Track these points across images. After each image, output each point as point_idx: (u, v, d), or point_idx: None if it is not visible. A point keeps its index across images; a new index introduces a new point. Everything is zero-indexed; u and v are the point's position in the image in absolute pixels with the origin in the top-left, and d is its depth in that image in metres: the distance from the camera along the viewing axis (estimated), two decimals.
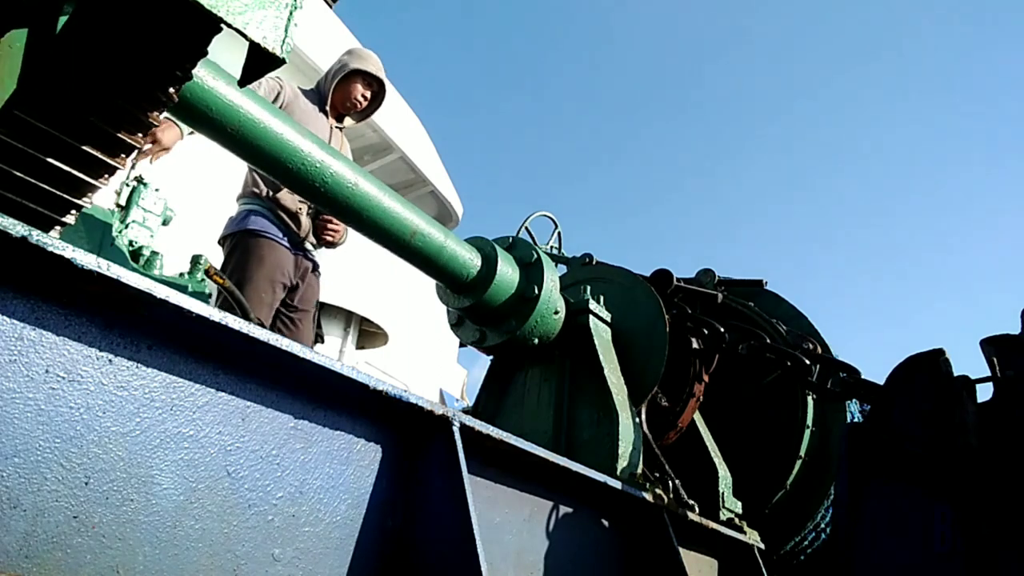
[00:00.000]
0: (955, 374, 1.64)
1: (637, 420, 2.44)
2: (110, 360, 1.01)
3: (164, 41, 1.00)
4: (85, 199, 1.10)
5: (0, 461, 0.88)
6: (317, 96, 3.18)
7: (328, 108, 3.16)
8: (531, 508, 1.77)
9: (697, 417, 2.94)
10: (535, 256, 2.47)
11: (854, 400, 2.92)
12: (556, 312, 2.48)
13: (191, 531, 1.07)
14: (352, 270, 6.00)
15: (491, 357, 2.78)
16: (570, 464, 1.79)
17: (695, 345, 2.87)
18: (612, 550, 2.05)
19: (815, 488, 3.07)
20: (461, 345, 2.86)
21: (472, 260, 2.31)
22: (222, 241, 3.01)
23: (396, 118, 7.49)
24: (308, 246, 3.10)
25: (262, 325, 1.31)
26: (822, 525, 3.08)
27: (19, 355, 0.91)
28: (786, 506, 3.07)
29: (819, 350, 2.71)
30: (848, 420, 3.10)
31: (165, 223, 3.00)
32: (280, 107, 2.92)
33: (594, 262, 3.18)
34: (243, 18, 0.93)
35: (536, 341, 2.47)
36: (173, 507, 1.05)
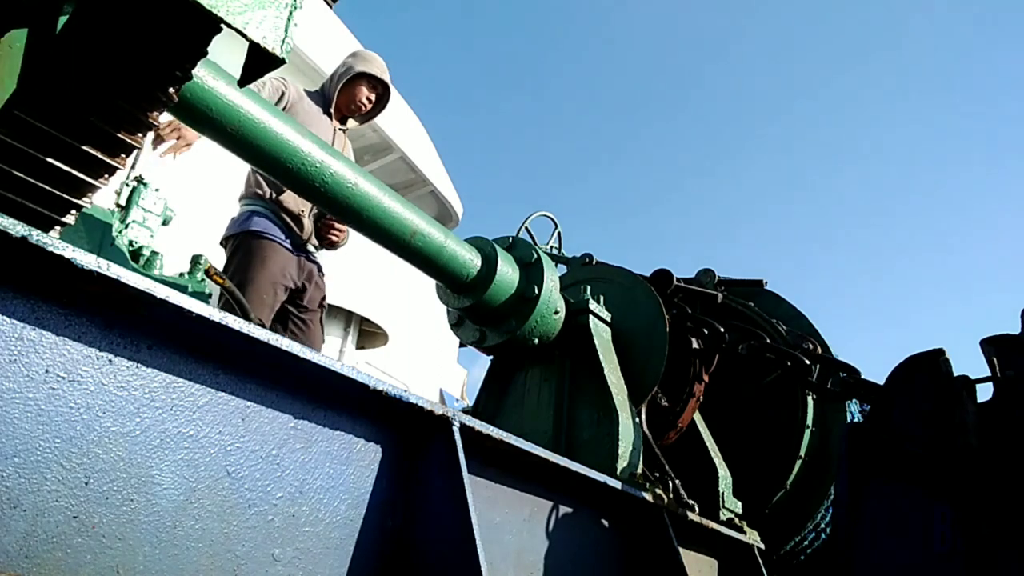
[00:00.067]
0: (955, 374, 1.64)
1: (637, 420, 2.45)
2: (110, 360, 1.01)
3: (164, 41, 1.00)
4: (85, 199, 1.10)
5: (0, 461, 0.88)
6: (321, 98, 3.18)
7: (332, 110, 3.17)
8: (531, 508, 1.77)
9: (697, 417, 2.94)
10: (535, 256, 2.47)
11: (854, 400, 2.92)
12: (556, 312, 2.48)
13: (191, 531, 1.07)
14: (352, 270, 6.00)
15: (491, 357, 2.78)
16: (570, 464, 1.79)
17: (695, 345, 2.87)
18: (612, 550, 2.05)
19: (815, 488, 3.07)
20: (461, 345, 2.86)
21: (472, 260, 2.31)
22: (224, 242, 3.01)
23: (396, 118, 7.49)
24: (310, 248, 3.11)
25: (263, 326, 1.31)
26: (822, 525, 3.08)
27: (19, 355, 0.91)
28: (786, 506, 3.07)
29: (819, 350, 2.71)
30: (848, 420, 3.10)
31: (165, 223, 3.00)
32: (285, 108, 2.93)
33: (594, 262, 3.18)
34: (243, 18, 0.93)
35: (536, 341, 2.47)
36: (173, 507, 1.05)
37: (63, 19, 1.01)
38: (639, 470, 2.30)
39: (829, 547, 2.97)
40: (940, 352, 1.69)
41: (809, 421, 3.11)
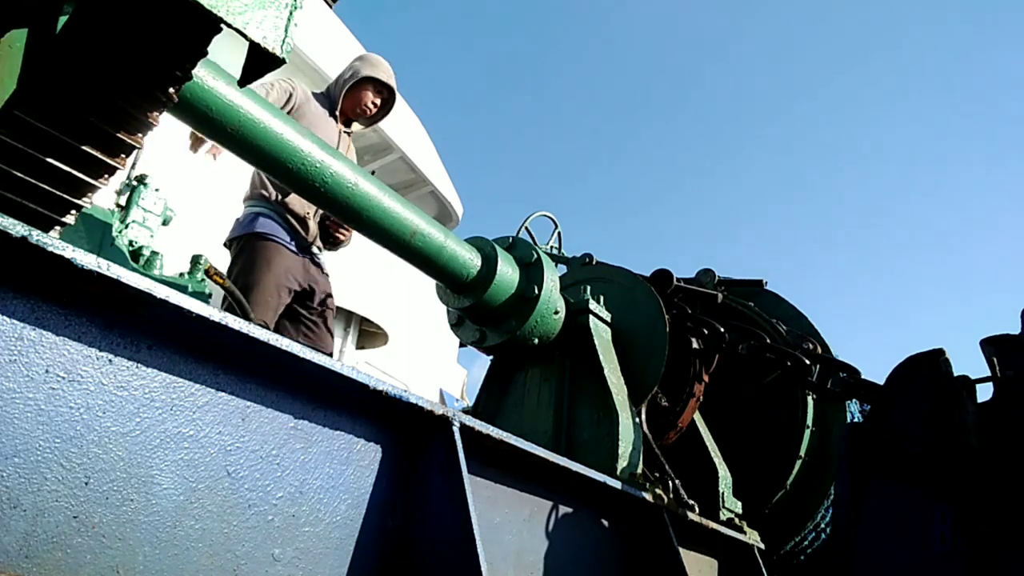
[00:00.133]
0: (955, 374, 1.64)
1: (637, 420, 2.45)
2: (110, 360, 1.01)
3: (164, 41, 1.00)
4: (85, 199, 1.10)
5: (0, 461, 0.88)
6: (327, 100, 3.18)
7: (337, 113, 3.17)
8: (531, 508, 1.77)
9: (697, 417, 2.94)
10: (535, 256, 2.47)
11: (854, 400, 2.92)
12: (556, 312, 2.48)
13: (191, 531, 1.07)
14: (352, 270, 6.00)
15: (491, 357, 2.78)
16: (570, 464, 1.79)
17: (695, 345, 2.87)
18: (612, 550, 2.05)
19: (815, 488, 3.07)
20: (461, 345, 2.86)
21: (472, 260, 2.31)
22: (228, 244, 3.00)
23: (396, 118, 7.48)
24: (315, 250, 3.11)
25: (264, 326, 1.31)
26: (822, 525, 3.08)
27: (19, 355, 0.91)
28: (786, 506, 3.07)
29: (819, 350, 2.71)
30: (848, 420, 3.10)
31: (165, 223, 3.01)
32: (292, 109, 2.93)
33: (594, 262, 3.18)
34: (243, 18, 0.93)
35: (536, 341, 2.47)
36: (173, 507, 1.05)
37: (63, 19, 1.01)
38: (639, 470, 2.30)
39: (829, 547, 2.97)
40: (940, 352, 1.69)
41: (809, 421, 3.11)
